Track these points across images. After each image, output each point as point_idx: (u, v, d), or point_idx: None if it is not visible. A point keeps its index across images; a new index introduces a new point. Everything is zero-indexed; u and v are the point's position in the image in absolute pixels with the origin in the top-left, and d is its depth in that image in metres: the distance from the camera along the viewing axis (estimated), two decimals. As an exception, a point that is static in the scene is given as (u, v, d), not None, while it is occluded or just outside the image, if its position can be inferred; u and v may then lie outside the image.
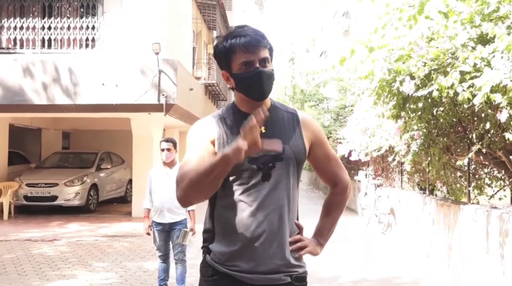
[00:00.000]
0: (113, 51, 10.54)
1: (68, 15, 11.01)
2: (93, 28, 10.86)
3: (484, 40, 4.52)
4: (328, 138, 13.55)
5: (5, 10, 10.95)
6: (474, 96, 4.17)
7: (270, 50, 1.90)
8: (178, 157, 5.51)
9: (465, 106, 4.70)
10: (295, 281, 1.91)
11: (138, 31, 10.57)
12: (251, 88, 1.87)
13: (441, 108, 5.14)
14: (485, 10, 4.45)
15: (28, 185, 11.90)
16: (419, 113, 5.57)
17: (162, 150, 5.22)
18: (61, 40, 10.88)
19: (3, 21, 10.86)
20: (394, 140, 7.47)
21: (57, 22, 10.83)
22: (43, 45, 10.85)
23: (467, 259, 5.73)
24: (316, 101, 21.14)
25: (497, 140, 5.04)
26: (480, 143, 5.07)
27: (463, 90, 4.27)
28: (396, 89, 5.37)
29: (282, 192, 1.88)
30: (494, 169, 6.13)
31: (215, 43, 1.92)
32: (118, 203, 14.34)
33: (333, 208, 2.13)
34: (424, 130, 6.04)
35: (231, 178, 1.86)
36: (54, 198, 11.89)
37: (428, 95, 4.90)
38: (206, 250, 1.95)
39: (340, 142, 11.79)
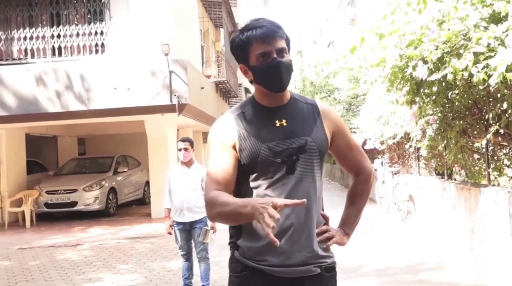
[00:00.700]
0: (123, 55, 10.60)
1: (76, 22, 11.10)
2: (101, 33, 10.94)
3: (496, 19, 4.46)
4: (342, 128, 13.33)
5: (14, 21, 11.08)
6: (489, 76, 4.12)
7: (287, 41, 1.89)
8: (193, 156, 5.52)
9: (480, 87, 4.65)
10: (325, 272, 1.92)
11: (146, 34, 10.62)
12: (270, 79, 1.86)
13: (456, 91, 5.09)
14: (495, -11, 4.38)
15: (48, 192, 12.06)
16: (434, 97, 5.52)
17: (180, 149, 5.24)
18: (71, 47, 10.98)
19: (13, 32, 10.99)
20: (409, 126, 7.41)
21: (66, 30, 10.93)
22: (53, 54, 10.97)
23: (490, 241, 5.68)
24: (327, 92, 21.06)
25: (514, 119, 4.98)
26: (497, 123, 5.02)
27: (478, 71, 4.22)
28: (409, 75, 5.33)
29: (307, 184, 1.87)
30: (513, 149, 6.06)
31: (231, 37, 1.92)
32: (137, 205, 14.47)
33: (357, 197, 2.12)
34: (440, 114, 5.99)
35: (255, 174, 1.87)
36: (74, 203, 12.04)
37: (442, 79, 4.85)
38: (233, 245, 1.96)
39: (354, 132, 11.73)
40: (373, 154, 13.08)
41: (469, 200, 6.40)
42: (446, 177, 7.79)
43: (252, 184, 1.88)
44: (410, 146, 8.25)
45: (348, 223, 2.08)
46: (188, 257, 5.36)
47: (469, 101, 5.39)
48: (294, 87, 33.58)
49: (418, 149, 8.23)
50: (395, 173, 10.78)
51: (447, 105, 5.68)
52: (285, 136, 1.87)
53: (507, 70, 3.93)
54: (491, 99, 5.23)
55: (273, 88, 1.89)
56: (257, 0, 41.36)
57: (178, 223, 5.28)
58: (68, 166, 14.05)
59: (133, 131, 14.34)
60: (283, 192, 1.84)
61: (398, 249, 7.32)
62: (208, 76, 15.50)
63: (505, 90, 4.36)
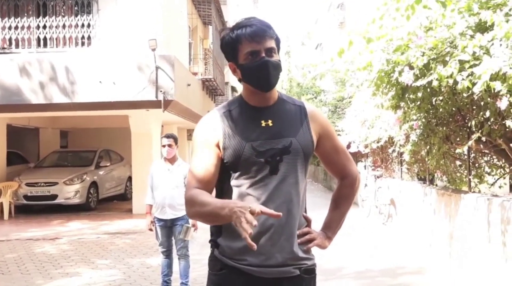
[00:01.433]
0: (109, 49, 10.51)
1: (63, 13, 10.97)
2: (88, 26, 10.82)
3: (482, 28, 4.51)
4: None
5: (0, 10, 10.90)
6: (473, 84, 4.17)
7: (277, 41, 1.89)
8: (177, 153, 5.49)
9: (465, 95, 4.70)
10: (304, 274, 1.91)
11: (134, 28, 10.54)
12: (257, 78, 1.86)
13: (440, 98, 5.14)
14: (482, -2, 4.44)
15: (27, 184, 11.90)
16: (418, 103, 5.57)
17: (164, 146, 5.21)
18: (56, 39, 10.84)
19: (-3, 21, 10.81)
20: (394, 131, 7.47)
21: (52, 21, 10.79)
22: (38, 44, 10.82)
23: (469, 247, 5.75)
24: (313, 94, 21.12)
25: (496, 128, 5.04)
26: (480, 131, 5.08)
27: (463, 79, 4.27)
28: (395, 80, 5.36)
29: (290, 186, 1.87)
30: (494, 157, 6.14)
31: (221, 34, 1.91)
32: (118, 201, 14.35)
33: (341, 201, 2.11)
34: (423, 120, 6.04)
35: (238, 173, 1.86)
36: (54, 197, 11.89)
37: (427, 85, 4.90)
38: (214, 244, 1.95)
39: (339, 134, 11.79)
40: (357, 157, 13.15)
41: (449, 206, 6.47)
42: (428, 182, 7.87)
43: (234, 183, 1.87)
44: (394, 150, 8.31)
45: (331, 226, 2.08)
46: (168, 254, 5.33)
47: (453, 108, 5.45)
48: (281, 87, 33.63)
49: (401, 153, 8.30)
50: (378, 177, 10.86)
51: (431, 111, 5.73)
52: (270, 136, 1.87)
53: (491, 79, 3.98)
54: (474, 107, 5.30)
55: (260, 87, 1.88)
56: (247, -1, 41.32)
57: (159, 220, 5.25)
58: (49, 159, 13.87)
59: (117, 126, 14.23)
60: (264, 192, 1.83)
61: (378, 253, 7.37)
62: (195, 73, 15.44)
63: (489, 99, 4.41)
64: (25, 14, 10.86)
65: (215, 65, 16.88)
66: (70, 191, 12.05)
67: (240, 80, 1.93)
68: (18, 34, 10.79)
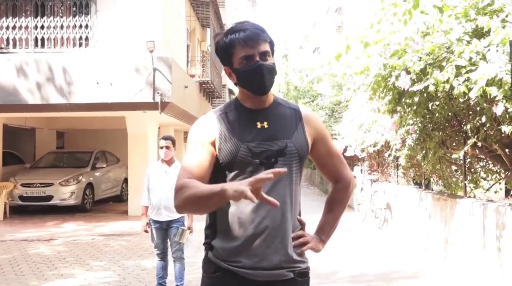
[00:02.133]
0: (107, 50, 10.49)
1: (61, 14, 10.95)
2: (86, 26, 10.81)
3: (479, 33, 4.54)
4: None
5: (-3, 10, 10.88)
6: (470, 89, 4.19)
7: (271, 44, 1.90)
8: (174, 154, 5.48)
9: (461, 100, 4.73)
10: (298, 277, 1.91)
11: (132, 30, 10.53)
12: (252, 82, 1.87)
13: (437, 102, 5.16)
14: (479, 4, 4.47)
15: (23, 185, 11.85)
16: (415, 107, 5.59)
17: (161, 147, 5.20)
18: (54, 39, 10.82)
19: (-5, 21, 10.79)
20: (390, 135, 7.49)
21: (50, 21, 10.77)
22: (36, 45, 10.80)
23: (465, 252, 5.77)
24: (310, 98, 21.16)
25: (492, 133, 5.07)
26: (475, 136, 5.10)
27: (459, 84, 4.29)
28: (391, 84, 5.39)
29: (284, 188, 1.87)
30: (490, 162, 6.17)
31: (216, 39, 1.92)
32: (114, 202, 14.31)
33: (335, 205, 2.12)
34: (420, 125, 6.07)
35: (233, 173, 1.86)
36: (50, 197, 11.85)
37: (423, 90, 4.92)
38: (208, 246, 1.95)
39: (335, 138, 11.81)
40: (353, 161, 13.17)
41: (444, 211, 6.49)
42: (423, 187, 7.89)
43: None
44: (390, 154, 8.33)
45: (325, 230, 2.08)
46: (163, 256, 5.32)
47: (449, 113, 5.47)
48: (278, 90, 33.65)
49: (397, 158, 8.32)
50: (374, 181, 10.87)
51: (427, 116, 5.75)
52: (266, 138, 1.88)
53: (487, 84, 4.00)
54: (470, 112, 5.32)
55: (255, 91, 1.89)
56: (245, 1, 41.39)
57: (155, 222, 5.24)
58: (45, 159, 13.83)
59: (114, 127, 14.20)
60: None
61: (373, 257, 7.37)
62: (193, 76, 15.44)
63: (485, 104, 4.44)
64: (23, 14, 10.84)
65: (213, 68, 16.89)
66: (66, 192, 12.01)
67: (236, 84, 1.94)
68: (16, 34, 10.77)
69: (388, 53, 5.27)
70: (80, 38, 10.83)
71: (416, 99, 5.30)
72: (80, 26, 10.80)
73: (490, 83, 4.02)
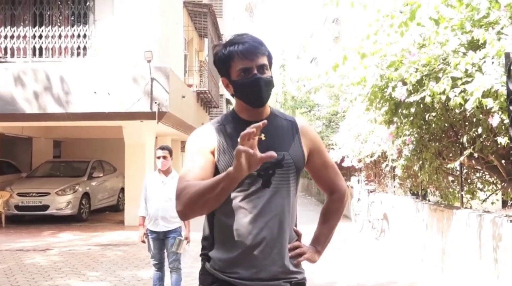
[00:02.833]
0: (105, 59, 10.52)
1: (59, 23, 10.99)
2: (84, 36, 10.84)
3: (474, 45, 4.58)
4: (320, 144, 13.26)
5: (-4, 19, 10.91)
6: (466, 101, 4.22)
7: (269, 57, 1.92)
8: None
9: (457, 111, 4.75)
10: None
11: (130, 39, 10.57)
12: (249, 94, 1.88)
13: (433, 113, 5.19)
14: (475, 16, 4.51)
15: (19, 194, 11.80)
16: (411, 118, 5.62)
17: (158, 157, 5.20)
18: (52, 49, 10.85)
19: (-7, 30, 10.82)
20: (387, 145, 7.52)
21: (48, 31, 10.80)
22: (34, 54, 10.82)
23: (461, 263, 5.76)
24: (308, 108, 21.20)
25: (488, 144, 5.09)
26: (472, 147, 5.12)
27: (455, 96, 4.32)
28: (388, 95, 5.41)
29: (282, 199, 1.88)
30: (486, 173, 6.18)
31: (214, 50, 1.94)
32: (110, 212, 14.26)
33: (330, 216, 2.14)
34: (416, 135, 6.09)
35: None
36: (46, 207, 11.79)
37: (420, 101, 4.95)
38: (205, 257, 1.95)
39: (332, 148, 11.83)
40: (350, 171, 13.19)
41: (441, 222, 6.49)
42: (420, 198, 7.89)
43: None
44: (387, 165, 8.34)
45: (320, 240, 2.09)
46: (160, 266, 5.29)
47: (446, 124, 5.50)
48: (275, 100, 33.74)
49: (394, 168, 8.34)
50: (371, 191, 10.87)
51: (424, 127, 5.78)
52: (263, 150, 1.87)
53: (483, 96, 4.03)
54: (467, 123, 5.35)
55: (252, 104, 1.91)
56: (243, 12, 41.61)
57: (152, 232, 5.22)
58: (42, 169, 13.80)
59: (111, 137, 14.19)
60: (257, 205, 1.84)
61: (370, 267, 7.36)
62: (190, 85, 15.47)
63: (481, 115, 4.46)
64: (21, 24, 10.88)
65: (210, 78, 16.94)
66: (62, 201, 11.96)
67: (233, 95, 1.96)
68: (14, 43, 10.80)
69: (384, 64, 5.31)
70: (78, 47, 10.87)
71: (412, 110, 5.33)
72: (78, 36, 10.83)
73: (486, 94, 4.05)
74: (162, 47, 11.23)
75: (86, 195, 12.75)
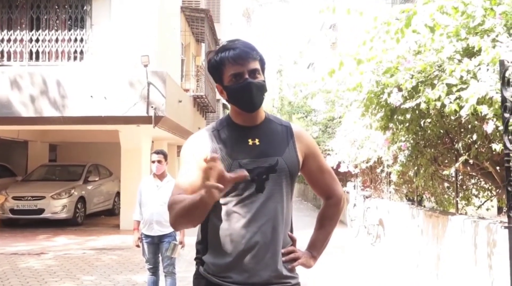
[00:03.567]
0: (101, 64, 10.53)
1: (56, 27, 11.00)
2: (81, 40, 10.86)
3: (470, 53, 4.61)
4: (316, 149, 13.29)
5: (-7, 22, 10.91)
6: (461, 107, 4.24)
7: (261, 62, 1.93)
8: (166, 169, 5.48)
9: (452, 117, 4.78)
10: None
11: (127, 44, 10.58)
12: (241, 99, 1.90)
13: (429, 120, 5.21)
14: (470, 24, 4.54)
15: (14, 198, 11.75)
16: (407, 124, 5.64)
17: (153, 162, 5.20)
18: (49, 53, 10.85)
19: (-10, 33, 10.81)
20: (382, 151, 7.54)
21: (45, 35, 10.81)
22: (30, 58, 10.82)
23: (456, 269, 5.77)
24: (304, 113, 21.24)
25: (483, 151, 5.11)
26: (467, 154, 5.14)
27: (450, 102, 4.34)
28: (384, 101, 5.43)
29: (275, 204, 1.89)
30: (481, 179, 6.21)
31: (208, 57, 1.96)
32: (106, 216, 14.22)
33: (326, 221, 2.14)
34: (412, 141, 6.11)
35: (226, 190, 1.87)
36: (41, 211, 11.75)
37: (415, 107, 4.97)
38: (199, 261, 1.96)
39: (328, 154, 11.84)
40: (346, 177, 13.20)
41: (436, 227, 6.51)
42: (416, 204, 7.91)
43: (221, 201, 1.88)
44: (382, 170, 8.35)
45: (316, 246, 2.09)
46: (154, 271, 5.28)
47: (441, 130, 5.52)
48: (272, 105, 33.76)
49: (390, 174, 8.35)
50: (367, 197, 10.89)
51: (419, 133, 5.80)
52: (257, 155, 1.90)
53: (478, 103, 4.05)
54: (462, 130, 5.37)
55: (245, 108, 1.92)
56: (240, 17, 41.70)
57: (147, 236, 5.21)
58: (37, 172, 13.75)
59: (107, 141, 14.17)
60: (251, 210, 1.85)
61: (366, 273, 7.36)
62: (187, 90, 15.48)
63: (476, 122, 4.48)
64: (18, 27, 10.88)
65: (207, 82, 16.95)
66: (57, 205, 11.92)
67: (228, 101, 1.97)
68: (11, 47, 10.79)
69: (380, 70, 5.33)
70: (75, 51, 10.88)
71: (408, 116, 5.34)
72: (75, 40, 10.84)
73: (481, 101, 4.07)
74: (159, 51, 11.24)
75: (81, 199, 12.70)
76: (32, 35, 10.81)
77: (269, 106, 34.13)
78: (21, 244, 9.76)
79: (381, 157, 7.90)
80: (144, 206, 5.22)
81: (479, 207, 6.49)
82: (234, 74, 1.87)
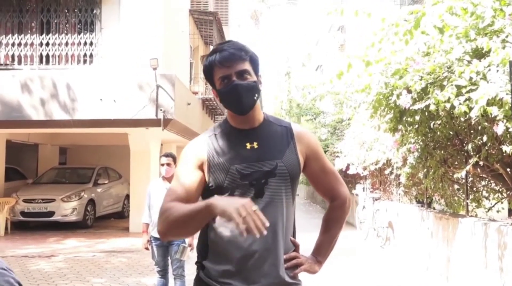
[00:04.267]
0: (111, 67, 10.58)
1: (66, 31, 11.07)
2: (91, 44, 10.92)
3: (479, 54, 4.58)
4: (325, 151, 13.37)
5: (3, 27, 11.01)
6: (470, 109, 4.21)
7: (252, 62, 1.87)
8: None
9: (462, 119, 4.75)
10: None
11: (136, 47, 10.63)
12: (231, 102, 1.85)
13: (438, 121, 5.18)
14: (479, 25, 4.51)
15: (25, 201, 11.84)
16: (416, 126, 5.61)
17: (162, 164, 5.22)
18: (59, 56, 10.93)
19: (1, 38, 10.92)
20: (392, 153, 7.50)
21: (55, 38, 10.89)
22: (41, 61, 10.90)
23: (466, 271, 5.73)
24: (313, 115, 21.22)
25: (494, 152, 5.07)
26: (477, 155, 5.10)
27: (460, 104, 4.31)
28: (393, 103, 5.41)
29: (276, 209, 1.83)
30: (492, 181, 6.16)
31: (202, 63, 1.94)
32: (115, 219, 14.28)
33: (332, 224, 2.07)
34: (421, 143, 6.08)
35: (224, 196, 1.82)
36: (51, 213, 11.83)
37: (425, 109, 4.94)
38: (200, 265, 1.93)
39: (337, 156, 11.81)
40: (355, 179, 13.15)
41: (447, 230, 6.46)
42: (425, 206, 7.86)
43: None
44: (391, 172, 8.31)
45: (321, 250, 2.03)
46: (163, 273, 5.30)
47: (451, 132, 5.49)
48: (280, 108, 33.76)
49: (399, 176, 8.31)
50: (376, 199, 10.83)
51: (429, 135, 5.77)
52: (255, 159, 1.85)
53: (488, 104, 4.02)
54: (472, 131, 5.33)
55: (236, 111, 1.88)
56: (248, 20, 41.79)
57: (156, 239, 5.22)
58: (47, 175, 13.85)
59: (116, 143, 14.23)
60: None
61: (375, 276, 7.32)
62: (195, 93, 15.52)
63: (486, 123, 4.45)
64: (29, 31, 10.97)
65: (216, 85, 16.97)
66: (67, 208, 11.99)
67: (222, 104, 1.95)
68: (21, 51, 10.89)
69: (389, 72, 5.31)
70: (85, 55, 10.94)
71: (417, 117, 5.31)
72: (85, 43, 10.91)
73: (490, 102, 4.04)
74: (167, 54, 11.28)
75: (91, 201, 12.77)
76: (42, 39, 10.90)
77: (278, 109, 34.15)
78: (32, 246, 9.83)
79: (390, 159, 7.86)
80: (153, 209, 5.24)
81: (490, 209, 6.44)
82: (222, 77, 1.84)
